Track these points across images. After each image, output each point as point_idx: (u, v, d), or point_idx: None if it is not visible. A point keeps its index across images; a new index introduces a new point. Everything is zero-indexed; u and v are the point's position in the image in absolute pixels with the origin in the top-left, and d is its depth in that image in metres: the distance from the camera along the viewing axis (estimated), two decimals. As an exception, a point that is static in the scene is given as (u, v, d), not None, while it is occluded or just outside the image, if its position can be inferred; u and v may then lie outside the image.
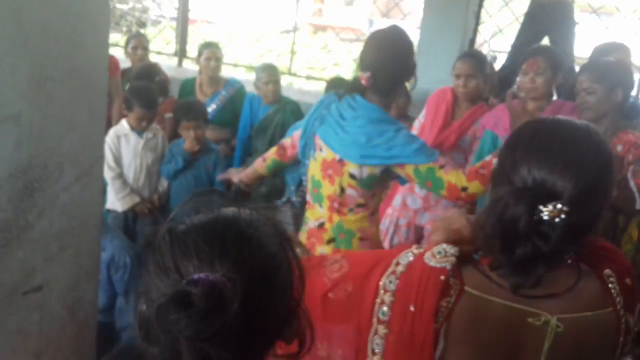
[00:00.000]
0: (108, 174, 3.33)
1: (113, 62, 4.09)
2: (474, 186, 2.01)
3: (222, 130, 4.30)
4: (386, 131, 2.09)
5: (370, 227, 2.24)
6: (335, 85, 3.90)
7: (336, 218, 2.21)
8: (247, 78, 4.90)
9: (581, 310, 1.06)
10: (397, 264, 1.14)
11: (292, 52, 5.43)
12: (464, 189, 2.02)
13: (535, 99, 2.86)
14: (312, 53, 5.91)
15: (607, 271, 1.11)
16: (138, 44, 4.46)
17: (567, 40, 4.03)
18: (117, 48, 5.23)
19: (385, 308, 1.11)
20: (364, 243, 2.21)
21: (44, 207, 1.60)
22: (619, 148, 2.42)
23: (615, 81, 2.50)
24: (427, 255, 1.12)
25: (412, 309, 1.08)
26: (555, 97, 2.96)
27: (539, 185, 1.01)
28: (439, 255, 1.11)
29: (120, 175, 3.44)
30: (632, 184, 2.32)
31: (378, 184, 2.20)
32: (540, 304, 1.06)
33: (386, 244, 3.43)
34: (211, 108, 4.22)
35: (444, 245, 1.12)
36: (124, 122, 3.51)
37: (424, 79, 3.14)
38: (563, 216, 0.97)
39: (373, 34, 2.28)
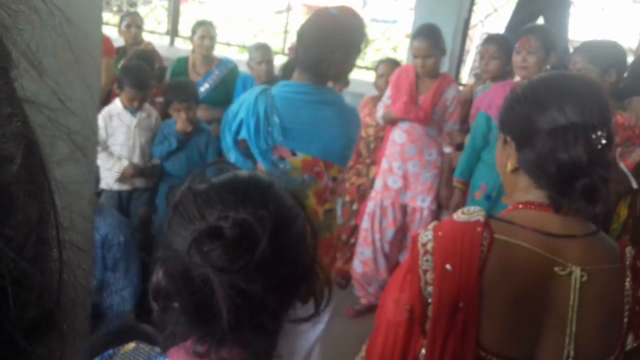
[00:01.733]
0: (94, 151, 3.31)
1: (107, 43, 4.03)
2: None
3: (215, 110, 4.26)
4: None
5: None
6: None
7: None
8: (239, 58, 4.85)
9: (600, 263, 1.11)
10: (424, 244, 1.17)
11: (286, 32, 5.38)
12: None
13: (527, 78, 2.86)
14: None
15: (629, 248, 1.16)
16: (132, 22, 4.40)
17: (562, 21, 4.01)
18: (109, 27, 5.16)
19: (429, 287, 1.14)
20: None
21: (36, 182, 1.58)
22: None
23: (609, 62, 2.50)
24: (456, 214, 1.17)
25: (448, 267, 1.11)
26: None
27: (580, 121, 1.07)
28: (468, 212, 1.16)
29: (106, 148, 3.42)
30: (622, 165, 2.32)
31: None
32: (565, 253, 1.10)
33: (376, 226, 3.45)
34: (204, 88, 4.19)
35: (472, 207, 1.18)
36: (117, 101, 3.48)
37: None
38: (604, 141, 1.06)
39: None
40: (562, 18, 4.02)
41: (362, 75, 4.25)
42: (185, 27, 5.82)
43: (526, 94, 1.16)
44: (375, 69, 3.85)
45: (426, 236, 1.17)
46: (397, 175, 3.40)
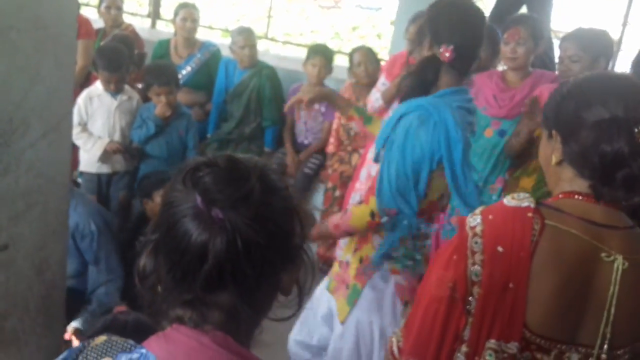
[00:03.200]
0: (73, 132, 3.25)
1: (87, 24, 3.95)
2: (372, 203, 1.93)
3: (197, 93, 4.22)
4: None
5: None
6: (317, 52, 3.85)
7: None
8: (222, 42, 4.79)
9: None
10: (472, 227, 1.21)
11: (269, 17, 5.32)
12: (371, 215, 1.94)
13: (515, 69, 2.85)
14: (289, 19, 5.79)
15: None
16: (112, 3, 4.30)
17: (545, 10, 4.01)
18: (88, 8, 5.06)
19: (477, 268, 1.19)
20: None
21: (9, 163, 1.55)
22: None
23: (600, 51, 2.51)
24: (506, 199, 1.22)
25: (500, 249, 1.16)
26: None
27: (622, 115, 1.14)
28: (518, 198, 1.21)
29: (85, 129, 3.37)
30: None
31: None
32: (607, 242, 1.16)
33: None
34: (186, 70, 4.13)
35: (524, 193, 1.23)
36: (98, 83, 3.43)
37: (402, 45, 3.13)
38: None
39: (441, 2, 1.97)
40: (545, 7, 4.02)
41: (344, 62, 4.22)
42: (167, 10, 5.72)
43: (572, 91, 1.23)
44: (350, 57, 3.82)
45: (474, 220, 1.22)
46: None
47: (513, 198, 1.21)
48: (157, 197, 3.07)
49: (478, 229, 1.20)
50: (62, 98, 1.62)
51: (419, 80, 1.93)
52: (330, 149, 3.83)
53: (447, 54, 1.84)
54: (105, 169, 3.46)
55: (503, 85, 2.89)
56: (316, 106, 3.88)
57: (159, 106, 3.43)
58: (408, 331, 1.31)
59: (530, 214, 1.16)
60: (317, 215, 3.83)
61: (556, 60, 2.90)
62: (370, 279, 2.03)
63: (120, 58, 3.44)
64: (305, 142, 4.05)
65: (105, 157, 3.41)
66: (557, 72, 2.69)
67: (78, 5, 1.70)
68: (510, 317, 1.17)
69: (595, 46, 2.51)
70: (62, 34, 1.56)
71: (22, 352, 1.76)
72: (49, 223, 1.72)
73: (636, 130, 1.13)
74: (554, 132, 1.25)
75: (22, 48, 1.46)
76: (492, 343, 1.20)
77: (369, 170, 3.33)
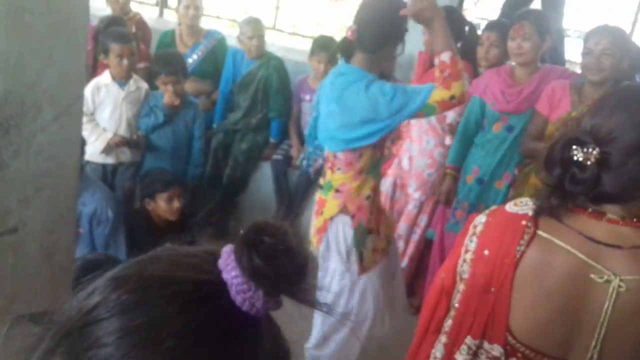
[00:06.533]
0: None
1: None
2: (455, 87, 2.06)
3: (203, 82, 4.21)
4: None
5: (351, 182, 2.29)
6: (322, 44, 3.84)
7: (329, 175, 2.36)
8: (230, 33, 4.78)
9: None
10: (475, 226, 1.24)
11: (277, 8, 5.30)
12: (452, 97, 2.08)
13: (523, 64, 2.84)
14: (297, 10, 5.77)
15: None
16: (119, -9, 4.30)
17: (557, 5, 3.99)
18: (96, -5, 5.04)
19: (465, 266, 1.23)
20: (337, 195, 2.32)
21: (19, 146, 1.54)
22: None
23: (626, 50, 2.49)
24: (509, 204, 1.22)
25: (486, 252, 1.19)
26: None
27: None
28: (520, 204, 1.21)
29: (92, 119, 3.36)
30: None
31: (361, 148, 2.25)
32: (606, 261, 1.09)
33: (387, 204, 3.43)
34: (192, 59, 4.12)
35: (527, 199, 1.22)
36: (107, 72, 3.42)
37: (412, 42, 3.11)
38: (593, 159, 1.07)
39: None
40: (557, 3, 4.00)
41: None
42: (175, -1, 5.71)
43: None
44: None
45: (479, 219, 1.25)
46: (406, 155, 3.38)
47: (515, 204, 1.22)
48: (160, 200, 3.08)
49: (478, 229, 1.23)
50: (73, 81, 1.62)
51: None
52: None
53: (349, 33, 2.17)
54: (110, 160, 3.47)
55: (510, 81, 2.89)
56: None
57: (166, 95, 3.43)
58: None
59: (524, 222, 1.16)
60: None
61: (567, 56, 2.89)
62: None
63: (128, 32, 3.52)
64: (312, 134, 4.05)
65: (108, 150, 3.41)
66: (580, 66, 2.65)
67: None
68: (492, 320, 1.18)
69: (625, 44, 2.49)
70: (75, 17, 1.55)
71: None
72: (58, 206, 1.72)
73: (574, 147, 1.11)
74: None
75: (35, 30, 1.46)
76: (469, 340, 1.23)
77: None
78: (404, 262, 3.40)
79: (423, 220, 3.35)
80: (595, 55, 2.44)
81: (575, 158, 1.08)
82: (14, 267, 1.66)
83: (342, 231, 2.30)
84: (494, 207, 1.28)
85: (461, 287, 1.23)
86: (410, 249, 3.39)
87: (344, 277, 2.32)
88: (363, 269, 2.31)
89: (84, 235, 2.57)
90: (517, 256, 1.14)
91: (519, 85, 2.86)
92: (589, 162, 1.08)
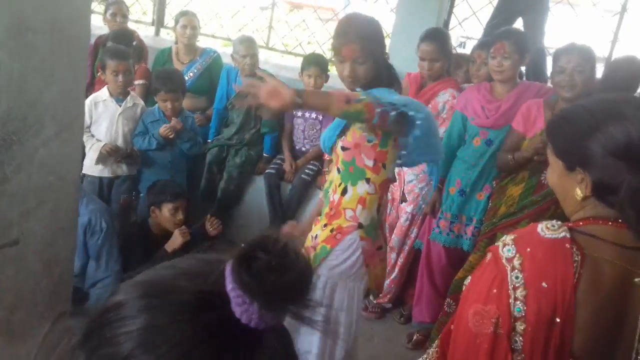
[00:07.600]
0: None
1: None
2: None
3: (199, 99, 4.29)
4: None
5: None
6: (311, 60, 3.94)
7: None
8: (225, 51, 4.87)
9: None
10: (508, 260, 1.19)
11: (270, 28, 5.40)
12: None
13: (502, 81, 2.94)
14: (289, 29, 5.87)
15: None
16: (117, 11, 4.37)
17: (539, 25, 4.10)
18: (94, 15, 5.12)
19: (519, 304, 1.16)
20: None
21: (22, 160, 1.60)
22: None
23: (594, 65, 2.61)
24: (540, 228, 1.19)
25: (544, 285, 1.14)
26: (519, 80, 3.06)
27: None
28: (553, 228, 1.19)
29: (88, 132, 3.41)
30: None
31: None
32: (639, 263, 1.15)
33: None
34: (188, 77, 4.20)
35: (553, 221, 1.20)
36: (105, 89, 3.49)
37: (397, 59, 3.19)
38: None
39: (351, 14, 2.30)
40: (539, 22, 4.11)
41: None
42: (171, 18, 5.80)
43: (599, 128, 1.19)
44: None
45: (509, 251, 1.20)
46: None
47: (548, 228, 1.19)
48: (165, 210, 3.14)
49: (516, 263, 1.17)
50: (74, 99, 1.68)
51: None
52: (327, 156, 3.89)
53: (349, 52, 2.09)
54: (107, 173, 3.52)
55: (490, 97, 2.99)
56: (313, 115, 3.98)
57: (163, 127, 3.49)
58: None
59: (568, 245, 1.15)
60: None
61: (549, 73, 2.98)
62: (342, 240, 2.15)
63: (126, 50, 3.56)
64: (303, 149, 4.13)
65: (102, 159, 3.45)
66: (551, 83, 2.75)
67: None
68: (560, 350, 1.15)
69: (592, 61, 2.61)
70: (77, 36, 1.62)
71: (28, 346, 1.80)
72: (59, 220, 1.77)
73: None
74: (578, 168, 1.22)
75: (38, 49, 1.52)
76: None
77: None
78: (394, 273, 3.47)
79: (414, 232, 3.42)
80: (567, 73, 2.55)
81: None
82: (15, 278, 1.70)
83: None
84: (514, 236, 1.22)
85: (521, 327, 1.16)
86: (401, 260, 3.46)
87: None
88: None
89: (78, 246, 2.60)
90: (575, 280, 1.13)
91: (498, 101, 2.95)
92: None
